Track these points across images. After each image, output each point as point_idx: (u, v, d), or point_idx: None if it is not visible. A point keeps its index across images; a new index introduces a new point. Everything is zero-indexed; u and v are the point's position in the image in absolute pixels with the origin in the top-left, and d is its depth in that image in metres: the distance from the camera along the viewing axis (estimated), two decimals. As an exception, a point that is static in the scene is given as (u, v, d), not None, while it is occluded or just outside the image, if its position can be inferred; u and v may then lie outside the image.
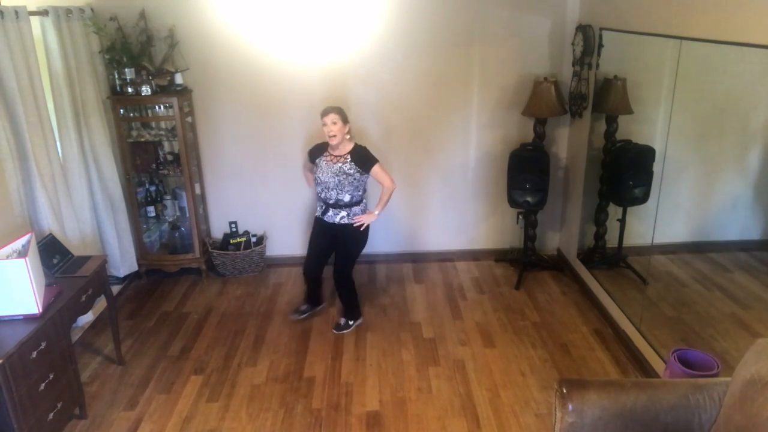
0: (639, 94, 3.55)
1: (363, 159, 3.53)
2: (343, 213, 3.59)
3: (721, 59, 2.65)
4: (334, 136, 3.44)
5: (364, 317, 3.97)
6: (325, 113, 3.46)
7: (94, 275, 3.18)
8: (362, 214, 3.64)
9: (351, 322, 3.86)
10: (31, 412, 2.51)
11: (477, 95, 4.41)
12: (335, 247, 3.74)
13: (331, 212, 3.60)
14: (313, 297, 3.99)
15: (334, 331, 3.81)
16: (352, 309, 3.88)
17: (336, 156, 3.54)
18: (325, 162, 3.56)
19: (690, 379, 2.29)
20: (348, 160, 3.51)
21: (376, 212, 3.62)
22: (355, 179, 3.53)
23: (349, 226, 3.60)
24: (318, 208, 3.70)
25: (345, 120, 3.48)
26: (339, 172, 3.51)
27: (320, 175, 3.56)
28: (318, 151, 3.64)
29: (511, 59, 4.31)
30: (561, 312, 4.02)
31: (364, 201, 3.67)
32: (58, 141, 3.62)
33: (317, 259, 3.81)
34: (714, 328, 2.85)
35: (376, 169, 3.53)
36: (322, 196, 3.62)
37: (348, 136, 3.54)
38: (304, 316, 3.95)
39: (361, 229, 3.62)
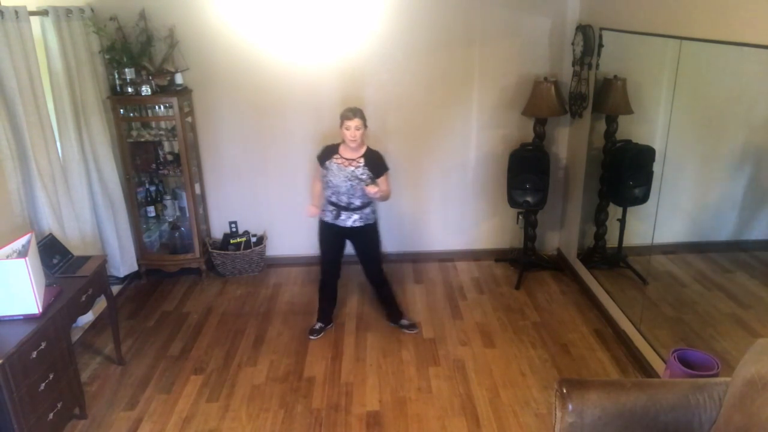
0: (639, 94, 3.55)
1: (377, 165, 3.43)
2: (356, 216, 3.50)
3: (721, 59, 2.65)
4: (355, 140, 3.34)
5: (364, 317, 3.97)
6: (348, 117, 3.32)
7: (94, 275, 3.18)
8: (372, 214, 3.56)
9: (408, 320, 3.86)
10: (31, 412, 2.51)
11: (477, 95, 4.41)
12: (357, 255, 3.67)
13: (343, 216, 3.49)
14: (327, 314, 3.85)
15: (409, 331, 3.78)
16: (398, 306, 3.87)
17: (348, 159, 3.41)
18: (336, 165, 3.42)
19: (690, 379, 2.29)
20: (361, 164, 3.40)
21: (377, 188, 3.36)
22: (366, 185, 3.43)
23: (361, 228, 3.52)
24: (328, 213, 3.53)
25: (365, 124, 3.38)
26: (351, 176, 3.39)
27: (332, 178, 3.42)
28: (328, 154, 3.47)
29: (511, 59, 4.31)
30: (561, 312, 4.02)
31: (373, 201, 3.56)
32: (58, 141, 3.62)
33: (335, 265, 3.70)
34: (714, 328, 2.85)
35: (384, 177, 3.45)
36: (333, 199, 3.49)
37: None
38: (321, 335, 3.79)
39: (373, 191, 3.34)
